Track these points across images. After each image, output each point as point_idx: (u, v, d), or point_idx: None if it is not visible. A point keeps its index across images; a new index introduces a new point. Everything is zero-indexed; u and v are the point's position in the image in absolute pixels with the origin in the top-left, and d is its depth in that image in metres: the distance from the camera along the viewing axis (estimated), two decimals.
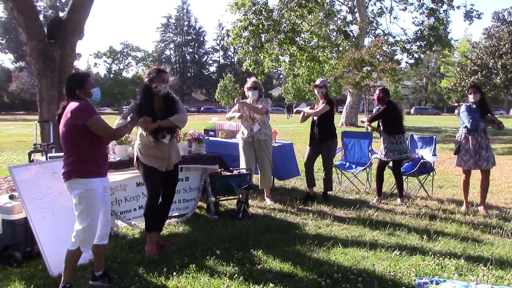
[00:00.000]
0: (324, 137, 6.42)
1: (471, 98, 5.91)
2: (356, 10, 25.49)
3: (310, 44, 24.60)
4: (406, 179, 7.21)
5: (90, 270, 3.62)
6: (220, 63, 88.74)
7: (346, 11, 25.60)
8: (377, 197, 6.52)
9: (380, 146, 6.49)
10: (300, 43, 23.52)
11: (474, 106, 5.91)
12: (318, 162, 6.83)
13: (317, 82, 6.66)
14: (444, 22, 26.44)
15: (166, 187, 4.31)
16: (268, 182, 6.47)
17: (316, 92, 6.58)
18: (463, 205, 6.07)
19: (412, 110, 60.53)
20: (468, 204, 6.08)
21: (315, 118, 6.50)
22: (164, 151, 4.17)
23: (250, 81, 6.34)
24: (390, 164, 6.61)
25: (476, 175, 6.12)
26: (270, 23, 22.02)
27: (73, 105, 3.17)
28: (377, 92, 6.55)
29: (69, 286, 3.26)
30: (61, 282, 3.28)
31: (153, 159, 4.14)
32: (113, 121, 3.95)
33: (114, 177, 4.86)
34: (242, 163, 6.31)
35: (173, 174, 4.35)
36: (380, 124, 6.46)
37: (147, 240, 4.26)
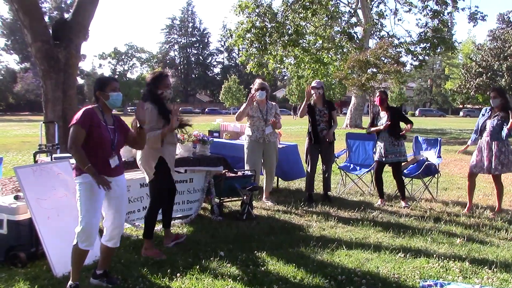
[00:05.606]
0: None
1: (491, 102, 5.84)
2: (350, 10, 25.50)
3: (315, 46, 24.61)
4: (411, 181, 7.19)
5: None
6: (225, 64, 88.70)
7: (350, 13, 25.54)
8: (380, 199, 6.50)
9: (377, 148, 6.48)
10: (304, 45, 23.53)
11: (488, 110, 5.85)
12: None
13: (314, 83, 6.66)
14: (448, 24, 26.38)
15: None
16: (272, 183, 6.54)
17: (313, 93, 6.59)
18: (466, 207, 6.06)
19: (417, 112, 60.38)
20: (472, 206, 6.04)
21: (322, 117, 6.50)
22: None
23: (257, 83, 6.35)
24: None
25: (481, 177, 6.09)
26: (274, 25, 22.02)
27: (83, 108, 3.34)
28: (377, 94, 6.60)
29: (75, 286, 3.26)
30: (70, 280, 3.30)
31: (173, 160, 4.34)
32: None
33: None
34: (248, 164, 6.25)
35: None
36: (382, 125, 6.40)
37: (147, 246, 4.18)
